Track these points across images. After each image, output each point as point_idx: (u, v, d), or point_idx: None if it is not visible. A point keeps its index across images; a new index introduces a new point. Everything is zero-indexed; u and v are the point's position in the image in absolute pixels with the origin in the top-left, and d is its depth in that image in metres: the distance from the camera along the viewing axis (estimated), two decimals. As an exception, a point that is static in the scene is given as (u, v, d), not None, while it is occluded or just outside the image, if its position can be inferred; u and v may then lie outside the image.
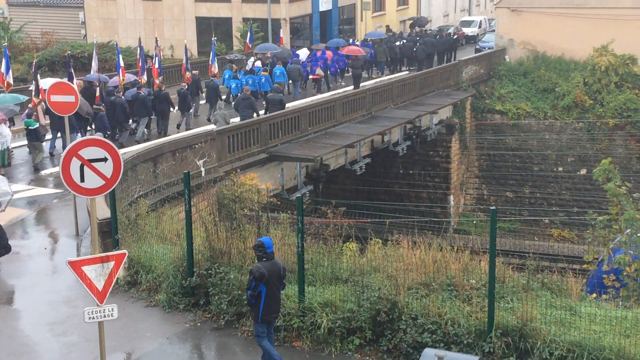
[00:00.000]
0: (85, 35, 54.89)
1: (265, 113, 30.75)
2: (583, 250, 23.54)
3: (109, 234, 16.47)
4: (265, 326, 12.53)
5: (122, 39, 51.64)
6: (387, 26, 57.21)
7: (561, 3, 44.28)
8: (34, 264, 17.81)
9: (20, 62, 48.81)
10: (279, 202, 23.61)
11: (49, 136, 27.87)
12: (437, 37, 49.15)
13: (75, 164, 10.98)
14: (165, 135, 29.71)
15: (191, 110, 32.59)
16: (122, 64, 33.43)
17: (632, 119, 39.56)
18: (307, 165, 28.45)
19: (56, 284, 16.51)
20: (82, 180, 11.07)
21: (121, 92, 29.78)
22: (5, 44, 35.67)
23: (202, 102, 34.88)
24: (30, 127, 26.16)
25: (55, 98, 20.72)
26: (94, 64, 33.89)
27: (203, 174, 23.34)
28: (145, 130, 29.87)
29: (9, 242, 16.90)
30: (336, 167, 30.37)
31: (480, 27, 59.54)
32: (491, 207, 12.70)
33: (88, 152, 11.04)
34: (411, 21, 60.36)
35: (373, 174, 34.19)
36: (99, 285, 10.94)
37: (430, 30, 55.78)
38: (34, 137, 26.41)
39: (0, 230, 16.69)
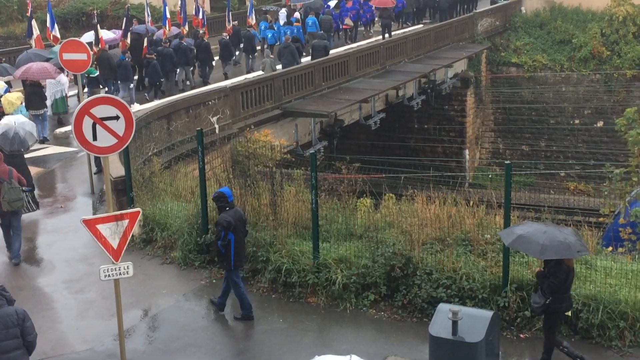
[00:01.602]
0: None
1: (312, 59, 31.26)
2: (599, 203, 23.43)
3: (123, 192, 16.54)
4: (239, 272, 13.04)
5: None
6: None
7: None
8: (51, 222, 17.93)
9: (36, 18, 48.76)
10: (293, 159, 23.60)
11: None
12: None
13: (87, 122, 10.96)
14: (206, 82, 31.05)
15: (233, 59, 33.70)
16: (168, 16, 34.70)
17: (650, 70, 39.25)
18: (321, 120, 28.36)
19: (72, 242, 16.55)
20: (95, 138, 11.06)
21: (167, 43, 30.64)
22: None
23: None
24: (91, 75, 26.69)
25: (67, 56, 20.69)
26: (147, 17, 35.22)
27: (217, 130, 23.31)
28: (191, 76, 31.26)
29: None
30: (350, 122, 30.28)
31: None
32: (506, 161, 12.69)
33: (100, 110, 11.01)
34: None
35: (388, 128, 34.05)
36: (114, 243, 11.01)
37: None
38: (95, 84, 27.27)
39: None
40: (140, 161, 18.66)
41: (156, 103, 25.93)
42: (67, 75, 26.47)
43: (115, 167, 16.91)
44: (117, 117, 11.09)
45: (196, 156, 16.09)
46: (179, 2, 35.91)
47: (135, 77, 30.06)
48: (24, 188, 15.70)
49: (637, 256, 14.48)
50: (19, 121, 19.30)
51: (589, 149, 39.59)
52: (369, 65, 32.40)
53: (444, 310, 10.25)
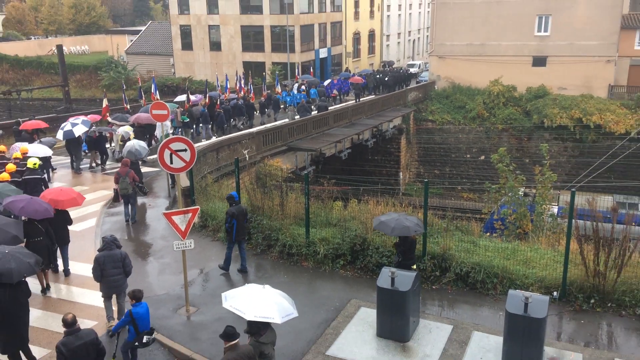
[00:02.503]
0: (174, 72, 54.57)
1: (318, 112, 32.37)
2: (482, 206, 23.58)
3: (188, 196, 16.46)
4: (234, 245, 13.17)
5: (197, 76, 51.48)
6: (372, 64, 58.14)
7: (469, 52, 44.06)
8: (143, 215, 17.87)
9: (134, 89, 48.53)
10: (294, 177, 23.60)
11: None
12: (401, 71, 49.17)
13: (167, 153, 10.99)
14: (250, 127, 30.78)
15: (266, 114, 33.72)
16: (228, 86, 35.31)
17: (513, 125, 39.48)
18: (312, 153, 28.40)
19: (156, 226, 16.51)
20: (171, 162, 11.08)
21: (228, 102, 31.23)
22: (153, 75, 36.04)
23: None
24: (184, 121, 27.70)
25: (155, 112, 20.61)
26: (217, 89, 35.48)
27: (247, 159, 23.33)
28: (241, 124, 31.25)
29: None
30: (330, 154, 30.33)
31: (419, 67, 58.99)
32: (425, 180, 12.74)
33: (175, 145, 11.04)
34: (383, 62, 60.30)
35: (353, 158, 34.02)
36: (182, 228, 10.99)
37: (394, 67, 55.67)
38: (187, 126, 28.14)
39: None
40: (199, 177, 18.67)
41: (220, 139, 25.68)
42: (172, 119, 26.86)
43: (184, 181, 16.89)
44: (185, 150, 11.11)
45: (234, 174, 16.10)
46: (236, 78, 36.51)
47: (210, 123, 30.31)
48: (137, 183, 17.04)
49: (504, 238, 14.57)
50: (137, 142, 19.97)
51: (475, 173, 39.76)
52: (341, 119, 32.42)
53: (386, 271, 10.29)
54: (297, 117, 31.51)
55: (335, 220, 14.20)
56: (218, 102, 30.45)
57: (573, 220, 11.13)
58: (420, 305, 10.93)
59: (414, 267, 11.60)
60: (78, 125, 22.49)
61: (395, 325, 10.09)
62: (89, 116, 26.19)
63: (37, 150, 19.67)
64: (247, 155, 23.50)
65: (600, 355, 9.71)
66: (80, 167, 23.06)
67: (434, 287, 12.10)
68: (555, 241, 13.73)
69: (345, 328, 10.62)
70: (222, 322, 10.91)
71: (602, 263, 11.01)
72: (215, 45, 52.21)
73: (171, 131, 26.54)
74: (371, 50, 62.85)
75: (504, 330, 9.42)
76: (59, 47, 39.54)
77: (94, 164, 23.34)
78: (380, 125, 35.27)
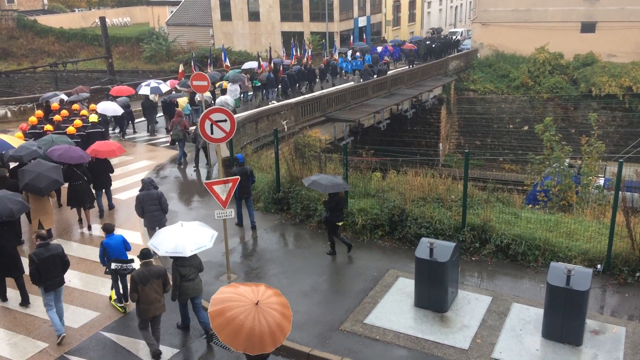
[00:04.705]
0: (214, 43, 54.72)
1: (378, 76, 33.36)
2: (524, 177, 23.10)
3: (229, 166, 16.62)
4: (240, 202, 14.02)
5: (236, 46, 51.51)
6: (412, 32, 57.32)
7: (514, 18, 42.58)
8: (183, 183, 18.19)
9: (175, 60, 48.97)
10: (332, 147, 23.59)
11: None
12: (448, 38, 48.53)
13: (207, 123, 11.10)
14: (312, 92, 31.99)
15: (325, 79, 34.56)
16: (294, 53, 35.92)
17: (559, 94, 38.25)
18: (350, 124, 28.21)
19: (198, 195, 16.76)
20: (212, 133, 11.20)
21: (291, 69, 32.47)
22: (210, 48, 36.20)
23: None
24: (256, 85, 29.53)
25: (196, 82, 20.83)
26: (283, 54, 37.08)
27: (285, 129, 23.38)
28: (304, 89, 32.69)
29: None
30: (368, 125, 30.07)
31: (462, 35, 57.42)
32: (465, 150, 12.55)
33: (215, 116, 11.13)
34: (432, 29, 58.59)
35: (391, 129, 33.64)
36: (223, 197, 11.16)
37: (441, 35, 54.35)
38: (257, 89, 29.72)
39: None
40: (239, 147, 18.81)
41: (259, 109, 25.69)
42: (240, 84, 27.86)
43: (224, 151, 17.07)
44: (225, 120, 11.19)
45: (273, 145, 16.20)
46: (300, 46, 37.40)
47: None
48: (187, 130, 19.58)
49: (547, 210, 14.30)
50: (227, 97, 23.83)
51: (518, 144, 38.83)
52: (380, 90, 32.01)
53: (425, 242, 10.26)
54: (361, 80, 32.65)
55: (373, 191, 14.18)
56: (282, 69, 31.74)
57: (620, 191, 10.80)
58: (459, 276, 10.89)
59: (341, 223, 12.36)
60: (162, 84, 25.65)
61: (433, 295, 10.09)
62: (168, 82, 28.05)
63: (106, 108, 21.64)
64: (285, 126, 23.54)
65: (644, 329, 9.51)
66: (155, 130, 24.66)
67: (473, 258, 12.01)
68: (600, 213, 13.39)
69: (383, 297, 10.70)
70: (262, 289, 11.17)
71: (649, 236, 10.69)
72: (254, 15, 52.01)
73: (241, 95, 28.27)
74: (412, 18, 61.51)
75: (544, 302, 9.31)
76: (102, 20, 39.99)
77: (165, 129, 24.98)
78: (420, 96, 34.66)
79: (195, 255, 9.54)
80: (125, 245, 10.60)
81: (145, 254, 9.28)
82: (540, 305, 9.89)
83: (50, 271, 9.57)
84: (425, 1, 62.87)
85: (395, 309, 10.31)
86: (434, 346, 9.25)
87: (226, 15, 53.25)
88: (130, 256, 10.76)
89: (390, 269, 11.72)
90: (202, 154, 19.43)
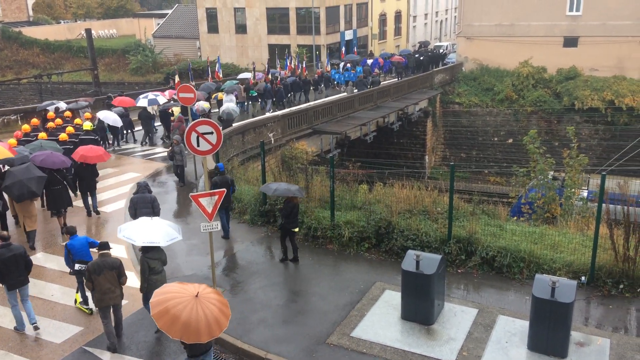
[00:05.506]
0: (200, 55, 54.71)
1: (372, 87, 33.97)
2: (509, 190, 23.28)
3: (215, 179, 16.63)
4: (222, 212, 13.96)
5: (223, 59, 51.50)
6: (419, 43, 57.70)
7: (498, 32, 43.12)
8: (171, 196, 18.11)
9: (161, 72, 48.86)
10: (319, 160, 23.60)
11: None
12: (435, 52, 49.07)
13: (194, 136, 11.01)
14: (307, 101, 32.47)
15: (318, 90, 35.32)
16: (289, 64, 37.41)
17: (542, 108, 38.71)
18: (337, 136, 28.29)
19: (184, 208, 16.72)
20: (198, 145, 11.12)
21: (286, 80, 33.41)
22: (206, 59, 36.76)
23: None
24: (253, 95, 30.27)
25: (182, 95, 20.70)
26: (278, 67, 38.22)
27: (272, 142, 23.36)
28: (298, 99, 33.22)
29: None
30: (355, 138, 30.19)
31: (447, 49, 58.02)
32: (451, 163, 12.63)
33: (201, 128, 11.03)
34: (420, 43, 58.77)
35: (378, 142, 33.83)
36: (209, 209, 11.02)
37: (428, 48, 54.63)
38: (254, 99, 30.57)
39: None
40: (226, 159, 18.75)
41: (246, 122, 25.17)
42: (236, 94, 28.41)
43: (210, 163, 16.97)
44: (212, 133, 11.11)
45: (259, 157, 16.13)
46: (296, 59, 38.39)
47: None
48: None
49: (532, 223, 14.39)
50: (231, 105, 24.04)
51: (503, 156, 39.20)
52: (367, 102, 32.20)
53: (411, 254, 10.27)
54: (355, 91, 33.42)
55: (360, 203, 14.18)
56: (278, 79, 32.67)
57: (603, 204, 10.92)
58: (446, 288, 10.90)
59: (296, 229, 12.63)
60: (159, 96, 26.05)
61: (419, 308, 10.09)
62: (165, 92, 28.52)
63: (107, 116, 22.21)
64: (272, 139, 23.53)
65: (628, 340, 9.58)
66: (153, 141, 24.85)
67: (459, 270, 12.04)
68: (584, 225, 13.51)
69: (370, 310, 10.67)
70: (249, 302, 11.09)
71: (632, 248, 10.81)
72: (241, 28, 52.14)
73: (237, 107, 28.23)
74: (397, 31, 62.04)
75: (530, 314, 9.35)
76: (88, 31, 39.86)
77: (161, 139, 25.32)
78: (406, 108, 34.91)
79: (162, 250, 10.02)
80: (92, 244, 10.80)
81: (104, 245, 9.76)
82: (526, 317, 9.92)
83: (12, 271, 9.98)
84: (411, 15, 63.52)
85: (382, 321, 10.29)
86: (420, 359, 9.23)
87: (213, 28, 53.33)
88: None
89: (377, 282, 11.71)
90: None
